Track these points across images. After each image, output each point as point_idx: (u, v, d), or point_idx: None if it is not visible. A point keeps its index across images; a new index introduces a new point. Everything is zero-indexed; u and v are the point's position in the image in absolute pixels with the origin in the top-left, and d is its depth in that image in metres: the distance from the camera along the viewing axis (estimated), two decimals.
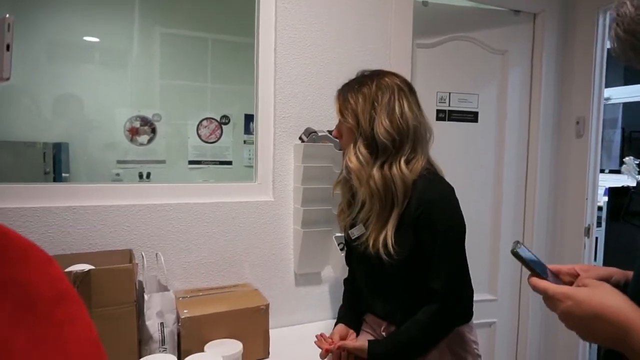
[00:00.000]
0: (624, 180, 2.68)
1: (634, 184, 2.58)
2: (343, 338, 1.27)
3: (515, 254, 0.71)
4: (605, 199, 2.54)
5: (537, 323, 2.25)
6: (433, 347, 1.16)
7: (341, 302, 1.44)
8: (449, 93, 2.10)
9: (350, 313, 1.36)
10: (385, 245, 1.11)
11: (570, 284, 0.71)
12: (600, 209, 2.42)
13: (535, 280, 0.69)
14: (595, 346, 2.27)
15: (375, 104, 1.16)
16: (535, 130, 2.21)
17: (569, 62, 2.21)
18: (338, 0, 1.75)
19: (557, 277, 0.73)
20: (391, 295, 1.22)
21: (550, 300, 0.66)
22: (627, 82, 4.30)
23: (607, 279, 0.76)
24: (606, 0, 2.05)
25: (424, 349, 1.16)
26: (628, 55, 0.64)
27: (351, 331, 1.30)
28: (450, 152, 2.02)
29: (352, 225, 1.29)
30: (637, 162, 2.60)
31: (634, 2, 0.60)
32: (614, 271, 0.80)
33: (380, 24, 1.84)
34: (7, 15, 0.59)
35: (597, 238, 2.43)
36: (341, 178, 1.32)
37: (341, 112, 1.22)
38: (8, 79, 0.59)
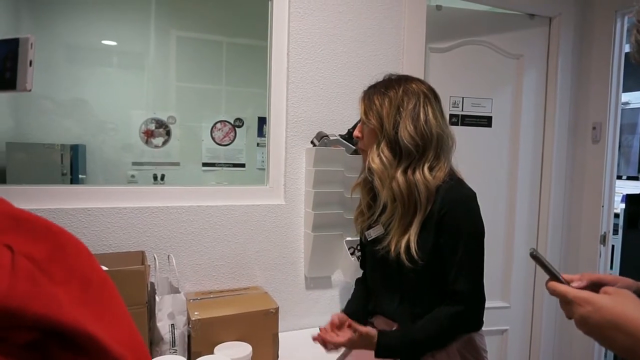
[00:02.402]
0: None
1: None
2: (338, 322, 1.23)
3: (535, 257, 0.71)
4: (623, 206, 2.49)
5: (550, 331, 2.22)
6: (442, 349, 1.15)
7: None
8: (462, 97, 2.09)
9: (356, 304, 1.36)
10: (407, 250, 1.11)
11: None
12: (617, 216, 2.38)
13: (555, 284, 0.68)
14: (610, 356, 2.23)
15: (401, 108, 1.16)
16: (551, 136, 2.18)
17: (585, 67, 2.18)
18: (351, 5, 1.76)
19: (569, 285, 0.72)
20: (407, 296, 1.21)
21: (568, 304, 0.65)
22: None
23: (611, 284, 0.75)
24: (624, 3, 2.01)
25: (435, 347, 1.15)
26: None
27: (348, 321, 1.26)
28: (463, 157, 1.98)
29: (369, 227, 1.29)
30: None
31: None
32: (627, 282, 0.79)
33: (394, 28, 1.84)
34: (29, 36, 0.68)
35: (613, 246, 2.38)
36: (360, 180, 1.32)
37: (365, 113, 1.22)
38: (30, 90, 0.69)
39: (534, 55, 2.18)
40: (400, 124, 1.15)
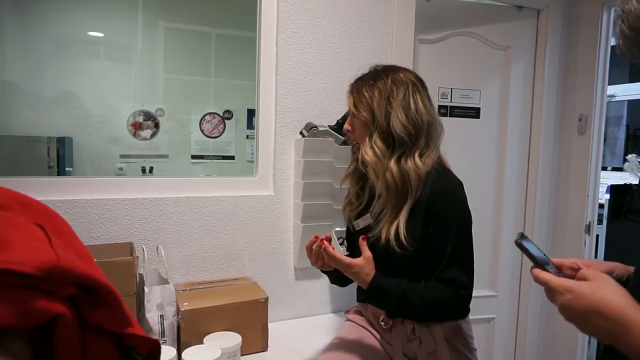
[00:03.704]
0: (626, 178, 2.67)
1: (637, 182, 2.57)
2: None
3: (519, 244, 0.71)
4: (607, 196, 2.53)
5: (536, 319, 2.26)
6: (427, 332, 1.17)
7: (341, 296, 1.44)
8: (451, 89, 2.10)
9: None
10: (397, 236, 1.13)
11: (572, 277, 0.71)
12: (601, 206, 2.42)
13: (538, 272, 0.69)
14: (594, 343, 2.27)
15: (391, 99, 1.17)
16: (538, 127, 2.20)
17: (572, 59, 2.20)
18: None
19: (560, 270, 0.73)
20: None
21: (551, 292, 0.66)
22: (633, 79, 4.26)
23: (609, 274, 0.76)
24: None
25: (417, 315, 1.17)
26: (633, 53, 0.63)
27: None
28: (451, 148, 1.99)
29: (357, 216, 1.30)
30: (639, 160, 2.58)
31: None
32: (616, 266, 0.81)
33: (383, 19, 1.84)
34: None
35: (598, 235, 2.43)
36: (350, 171, 1.33)
37: (355, 105, 1.22)
38: None
39: (521, 47, 2.19)
40: (391, 114, 1.16)
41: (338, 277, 1.27)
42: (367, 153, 1.18)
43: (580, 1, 2.16)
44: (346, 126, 1.28)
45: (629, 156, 2.61)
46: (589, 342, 2.20)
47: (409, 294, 1.13)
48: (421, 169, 1.15)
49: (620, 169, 3.51)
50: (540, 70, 2.20)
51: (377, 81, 1.20)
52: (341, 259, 1.13)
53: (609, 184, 2.67)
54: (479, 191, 2.15)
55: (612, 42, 2.13)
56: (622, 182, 2.59)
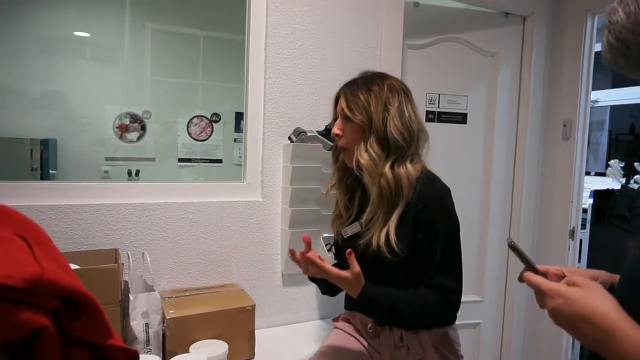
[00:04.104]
0: (609, 183, 2.72)
1: (619, 187, 2.61)
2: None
3: (513, 246, 0.72)
4: (591, 201, 2.57)
5: (521, 324, 2.28)
6: (415, 340, 1.17)
7: (328, 302, 1.43)
8: (439, 94, 2.11)
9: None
10: (387, 241, 1.13)
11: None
12: (585, 211, 2.45)
13: (530, 275, 0.70)
14: (577, 346, 2.30)
15: (388, 105, 1.18)
16: (524, 133, 2.23)
17: (557, 65, 2.23)
18: (329, 0, 1.75)
19: (545, 277, 0.74)
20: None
21: (542, 295, 0.67)
22: (615, 85, 4.35)
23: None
24: (595, 4, 2.07)
25: (406, 323, 1.17)
26: (619, 63, 0.64)
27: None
28: (439, 153, 2.01)
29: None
30: (621, 165, 2.63)
31: (626, 9, 0.61)
32: (600, 273, 0.82)
33: (372, 24, 1.84)
34: None
35: (581, 240, 2.46)
36: (336, 181, 1.32)
37: (350, 109, 1.20)
38: None
39: (508, 53, 2.22)
40: (388, 119, 1.17)
41: (328, 286, 1.27)
42: (363, 157, 1.17)
43: (565, 9, 2.20)
44: (335, 130, 1.26)
45: (612, 162, 2.65)
46: (573, 346, 2.22)
47: (398, 302, 1.13)
48: (412, 174, 1.16)
49: (603, 174, 3.57)
50: (526, 77, 2.22)
51: (372, 86, 1.20)
52: (330, 270, 1.12)
53: (592, 189, 2.71)
54: (466, 196, 2.17)
55: (596, 48, 2.17)
56: (605, 187, 2.63)
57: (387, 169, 1.16)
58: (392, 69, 1.86)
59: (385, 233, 1.14)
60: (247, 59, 1.68)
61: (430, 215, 1.14)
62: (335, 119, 1.29)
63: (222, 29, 3.19)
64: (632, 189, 2.57)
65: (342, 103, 1.23)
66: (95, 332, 0.51)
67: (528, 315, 2.27)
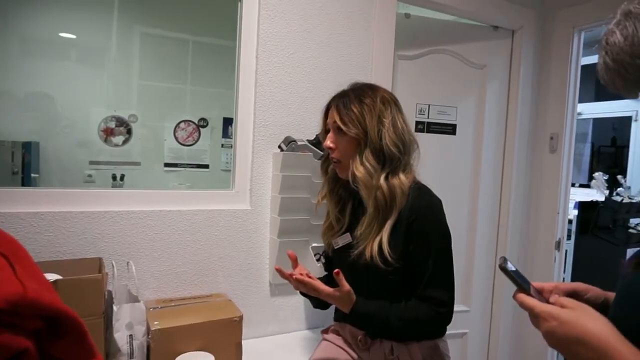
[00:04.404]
0: (592, 194, 2.76)
1: (603, 199, 2.66)
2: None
3: (504, 269, 0.71)
4: (575, 212, 2.61)
5: (507, 334, 2.29)
6: (403, 339, 1.17)
7: (316, 312, 1.42)
8: (429, 105, 2.13)
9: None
10: (380, 251, 1.12)
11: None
12: (570, 222, 2.48)
13: (523, 297, 0.69)
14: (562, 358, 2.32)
15: (382, 117, 1.17)
16: (511, 145, 2.25)
17: (544, 79, 2.27)
18: (321, 10, 1.75)
19: (540, 294, 0.73)
20: (380, 298, 1.20)
21: (536, 318, 0.67)
22: (598, 98, 4.44)
23: (582, 296, 0.77)
24: (582, 20, 2.11)
25: (398, 336, 1.17)
26: (616, 84, 0.65)
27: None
28: (428, 164, 2.02)
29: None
30: (605, 178, 2.68)
31: (623, 32, 0.61)
32: (590, 288, 0.82)
33: (363, 34, 1.84)
34: None
35: (566, 251, 2.49)
36: (326, 192, 1.31)
37: (343, 122, 1.18)
38: None
39: (497, 66, 2.25)
40: (383, 131, 1.16)
41: (319, 300, 1.25)
42: (359, 169, 1.16)
43: (553, 23, 2.23)
44: (328, 143, 1.23)
45: (596, 174, 2.70)
46: (557, 357, 2.24)
47: (390, 316, 1.12)
48: (405, 184, 1.17)
49: (587, 186, 3.63)
50: (514, 89, 2.25)
51: (364, 98, 1.19)
52: (321, 289, 1.11)
53: (576, 200, 2.75)
54: (454, 207, 2.18)
55: (583, 62, 2.21)
56: (588, 199, 2.67)
57: (382, 180, 1.15)
58: (383, 79, 1.87)
59: (378, 243, 1.13)
60: (238, 66, 1.67)
61: (422, 227, 1.14)
62: (325, 131, 1.28)
63: (212, 34, 3.17)
64: (616, 201, 2.61)
65: (335, 116, 1.21)
66: (79, 353, 0.49)
67: (514, 324, 2.29)
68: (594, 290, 0.82)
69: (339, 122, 1.19)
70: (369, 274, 1.16)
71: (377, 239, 1.14)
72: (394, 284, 1.17)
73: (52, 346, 0.46)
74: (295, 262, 1.20)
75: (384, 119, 1.17)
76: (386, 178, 1.16)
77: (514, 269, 0.72)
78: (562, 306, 0.65)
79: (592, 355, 0.59)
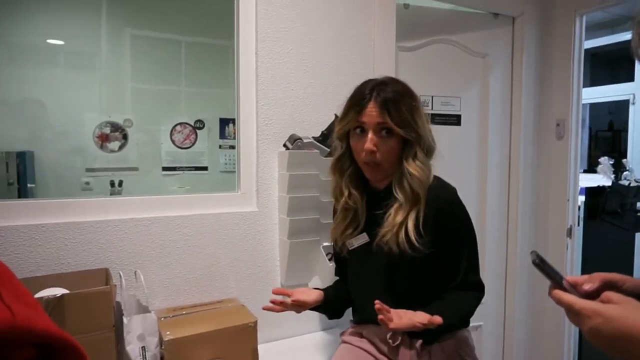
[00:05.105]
0: (597, 179, 2.74)
1: (609, 184, 2.64)
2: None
3: (538, 265, 0.67)
4: (583, 198, 2.59)
5: (522, 326, 2.26)
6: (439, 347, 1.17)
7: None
8: (432, 96, 2.09)
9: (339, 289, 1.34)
10: (408, 238, 1.10)
11: (587, 295, 0.67)
12: (578, 208, 2.46)
13: (560, 294, 0.65)
14: (576, 348, 2.30)
15: (424, 114, 1.17)
16: (517, 133, 2.22)
17: (547, 65, 2.23)
18: (320, 4, 1.70)
19: (574, 289, 0.69)
20: (403, 295, 1.16)
21: (576, 315, 0.62)
22: (594, 83, 4.43)
23: (619, 285, 0.73)
24: (583, 4, 2.07)
25: (456, 327, 1.19)
26: None
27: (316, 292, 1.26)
28: (434, 155, 2.00)
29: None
30: (611, 162, 2.66)
31: None
32: (629, 279, 0.78)
33: (364, 27, 1.80)
34: None
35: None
36: (346, 196, 1.23)
37: (397, 124, 1.10)
38: None
39: (499, 53, 2.21)
40: (427, 127, 1.17)
41: (333, 311, 1.29)
42: (416, 169, 1.13)
43: (554, 8, 2.20)
44: (370, 146, 1.12)
45: (602, 159, 2.68)
46: (580, 347, 2.22)
47: (452, 320, 1.12)
48: (431, 175, 1.18)
49: (589, 171, 3.61)
50: (517, 77, 2.22)
51: (404, 97, 1.13)
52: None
53: (582, 186, 2.72)
54: (462, 198, 2.12)
55: (586, 45, 2.18)
56: (594, 185, 2.65)
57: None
58: (385, 71, 1.82)
59: (404, 232, 1.11)
60: (237, 65, 1.62)
61: (450, 216, 1.16)
62: (360, 128, 1.15)
63: (205, 35, 3.10)
64: (623, 185, 2.59)
65: (384, 117, 1.10)
66: None
67: (529, 316, 2.26)
68: (631, 281, 0.78)
69: (391, 124, 1.10)
70: (395, 263, 1.14)
71: (402, 229, 1.12)
72: (422, 269, 1.15)
73: None
74: (284, 293, 1.24)
75: (423, 116, 1.16)
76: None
77: (546, 262, 0.68)
78: (608, 301, 0.61)
79: None
